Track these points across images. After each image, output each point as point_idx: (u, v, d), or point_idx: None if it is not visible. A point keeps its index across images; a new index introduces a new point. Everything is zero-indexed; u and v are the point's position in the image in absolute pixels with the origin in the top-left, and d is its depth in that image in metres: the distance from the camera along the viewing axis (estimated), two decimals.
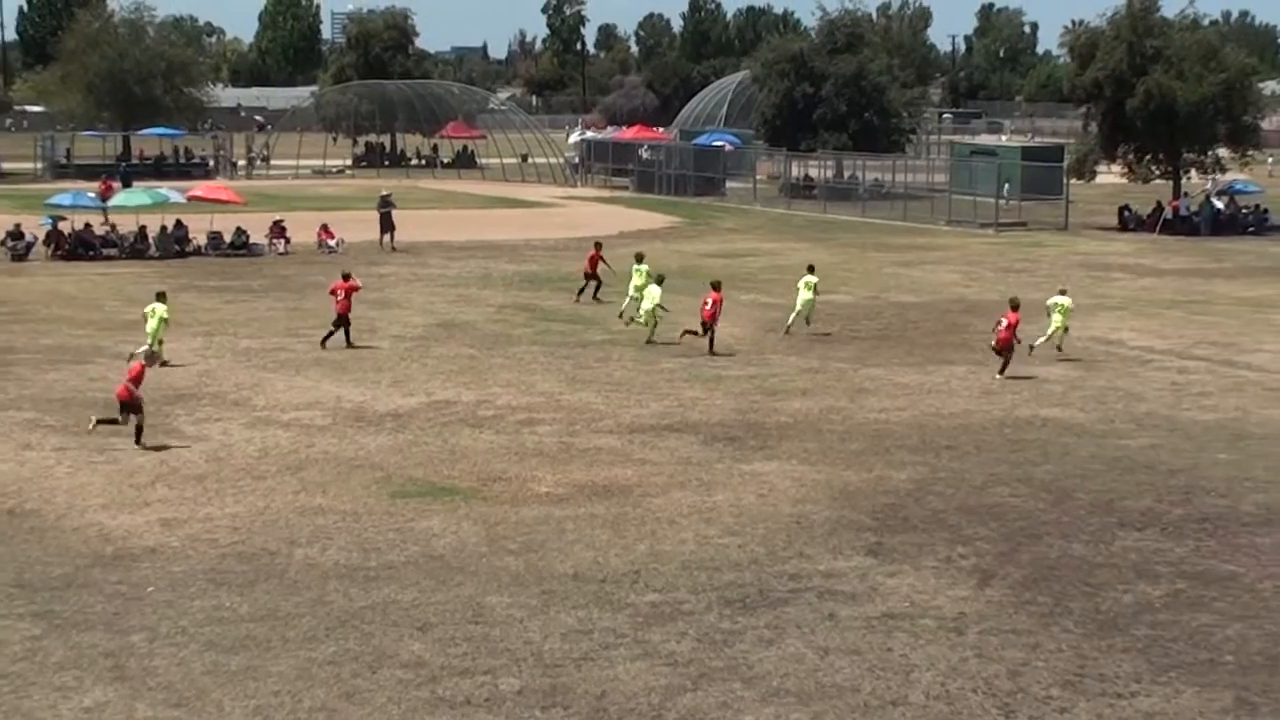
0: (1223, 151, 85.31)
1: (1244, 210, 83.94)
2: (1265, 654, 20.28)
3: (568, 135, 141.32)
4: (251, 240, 65.15)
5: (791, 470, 29.60)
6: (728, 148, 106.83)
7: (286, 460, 30.14)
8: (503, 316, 48.72)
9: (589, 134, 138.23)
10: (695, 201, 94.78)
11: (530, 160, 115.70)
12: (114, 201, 68.77)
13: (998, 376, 38.90)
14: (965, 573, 23.46)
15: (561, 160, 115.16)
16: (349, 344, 42.28)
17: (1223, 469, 30.09)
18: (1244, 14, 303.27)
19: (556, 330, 46.08)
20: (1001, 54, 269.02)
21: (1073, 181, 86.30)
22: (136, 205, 66.21)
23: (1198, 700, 18.79)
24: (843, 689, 18.98)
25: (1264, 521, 26.38)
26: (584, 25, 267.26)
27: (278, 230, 65.43)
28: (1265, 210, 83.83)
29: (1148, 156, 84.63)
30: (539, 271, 59.72)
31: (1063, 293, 44.12)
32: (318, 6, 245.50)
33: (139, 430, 30.85)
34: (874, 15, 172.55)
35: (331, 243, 65.72)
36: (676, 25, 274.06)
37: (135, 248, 63.60)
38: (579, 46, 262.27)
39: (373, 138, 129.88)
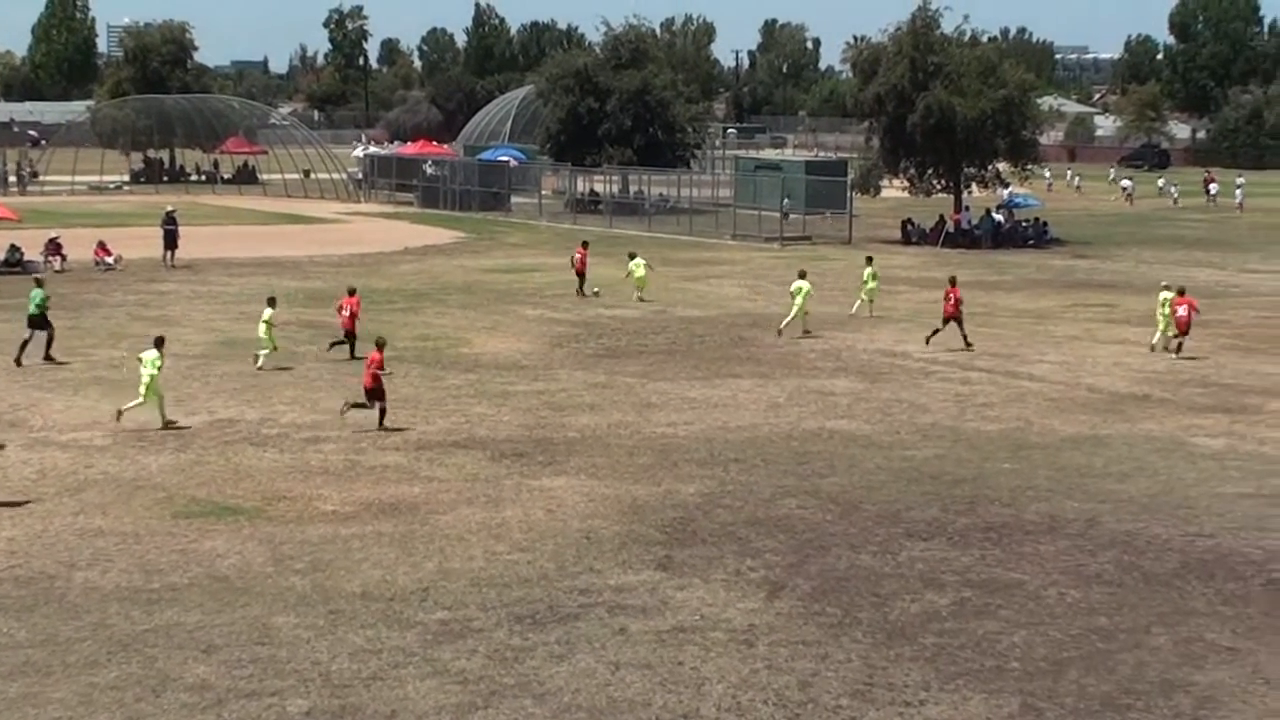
0: (1002, 165, 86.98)
1: (1024, 224, 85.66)
2: (1050, 659, 20.65)
3: (356, 148, 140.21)
4: (27, 257, 63.78)
5: (580, 485, 29.61)
6: (513, 163, 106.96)
7: (65, 482, 29.53)
8: (286, 334, 48.17)
9: (372, 149, 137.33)
10: (480, 217, 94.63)
11: (313, 176, 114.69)
12: None
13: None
14: (755, 585, 23.62)
15: (345, 176, 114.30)
16: (352, 356, 42.51)
17: (1006, 478, 30.62)
18: (1021, 30, 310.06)
19: (341, 347, 45.63)
20: (785, 69, 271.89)
21: (856, 196, 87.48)
22: None
23: (985, 707, 19.08)
24: (634, 703, 19.01)
25: (1047, 529, 26.89)
26: (366, 40, 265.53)
27: (53, 247, 64.12)
28: (1045, 224, 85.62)
29: (929, 171, 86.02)
30: (323, 288, 59.17)
31: (802, 275, 49.41)
32: (93, 19, 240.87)
33: None
34: (658, 31, 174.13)
35: (109, 259, 64.59)
36: (460, 40, 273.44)
37: None
38: (361, 61, 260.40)
39: (151, 153, 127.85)
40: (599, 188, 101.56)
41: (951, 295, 46.97)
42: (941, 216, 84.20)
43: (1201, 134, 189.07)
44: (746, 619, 22.05)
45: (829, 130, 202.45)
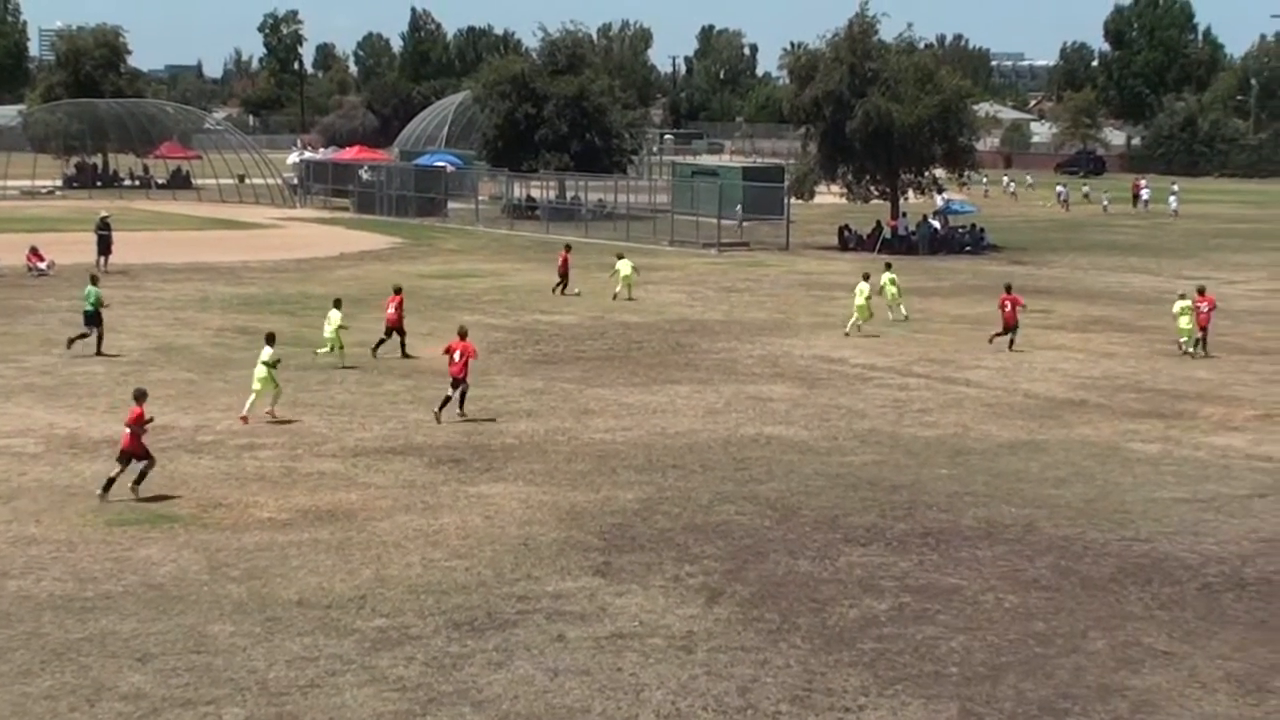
0: (939, 172, 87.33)
1: (960, 229, 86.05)
2: (988, 664, 20.74)
3: (292, 153, 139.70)
4: None
5: (518, 492, 29.58)
6: (449, 168, 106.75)
7: None
8: (222, 340, 47.96)
9: (308, 154, 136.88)
10: (417, 222, 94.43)
11: (248, 181, 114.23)
12: None
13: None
14: (693, 591, 23.64)
15: (280, 181, 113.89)
16: (404, 354, 44.82)
17: (944, 484, 30.75)
18: (958, 37, 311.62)
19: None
20: (722, 75, 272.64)
21: (793, 201, 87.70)
22: None
23: (924, 712, 19.14)
24: (573, 710, 18.99)
25: (984, 535, 27.01)
26: (301, 44, 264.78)
27: None
28: (982, 230, 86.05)
29: (866, 177, 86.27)
30: (258, 294, 58.95)
31: (865, 278, 51.53)
32: (25, 23, 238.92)
33: None
34: (595, 36, 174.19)
35: (42, 265, 64.13)
36: (396, 45, 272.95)
37: None
38: (297, 66, 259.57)
39: (84, 158, 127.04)
40: (536, 193, 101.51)
41: (1008, 302, 48.25)
42: (878, 222, 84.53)
43: (1136, 141, 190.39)
44: (685, 625, 22.06)
45: (766, 136, 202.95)
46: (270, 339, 36.86)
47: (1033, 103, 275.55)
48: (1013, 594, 23.72)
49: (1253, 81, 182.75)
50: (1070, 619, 22.64)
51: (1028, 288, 62.79)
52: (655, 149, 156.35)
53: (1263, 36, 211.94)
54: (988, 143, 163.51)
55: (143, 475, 29.01)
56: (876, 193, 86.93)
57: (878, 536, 26.76)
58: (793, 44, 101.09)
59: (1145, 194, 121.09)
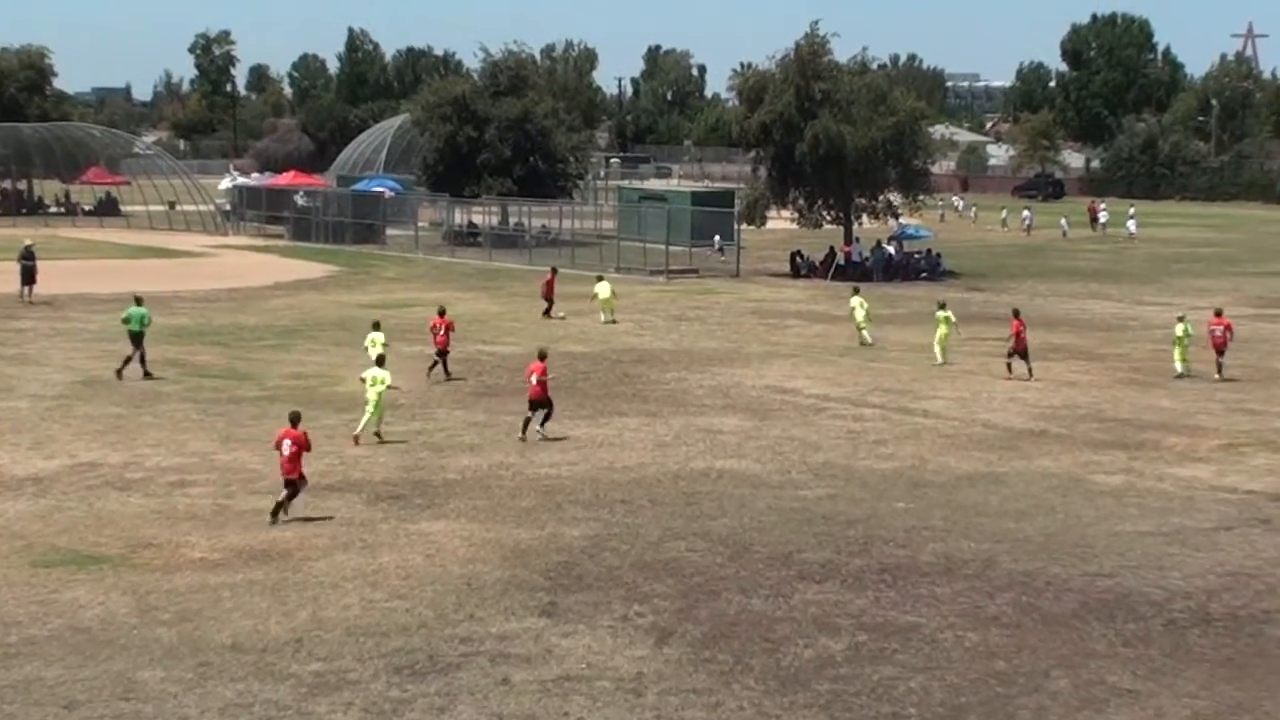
0: (894, 196, 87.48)
1: (916, 255, 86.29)
2: (948, 705, 20.74)
3: (224, 179, 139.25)
4: None
5: (460, 529, 29.49)
6: (388, 194, 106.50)
7: None
8: (152, 372, 47.73)
9: (241, 180, 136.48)
10: (354, 250, 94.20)
11: (178, 207, 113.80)
12: None
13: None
14: (643, 631, 23.59)
15: (212, 207, 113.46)
16: (448, 376, 46.60)
17: (901, 518, 30.78)
18: (912, 58, 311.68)
19: (209, 386, 45.31)
20: (669, 97, 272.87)
21: (743, 227, 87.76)
22: None
23: None
24: None
25: (943, 570, 27.03)
26: (234, 66, 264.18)
27: None
28: (938, 255, 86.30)
29: (819, 202, 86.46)
30: (189, 325, 58.67)
31: (942, 306, 52.34)
32: None
33: None
34: (538, 57, 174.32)
35: None
36: (332, 66, 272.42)
37: None
38: (229, 88, 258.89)
39: (8, 184, 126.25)
40: (478, 219, 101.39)
41: (1016, 327, 48.66)
42: (831, 248, 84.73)
43: (1096, 163, 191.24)
44: (635, 667, 22.01)
45: (715, 160, 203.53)
46: (380, 360, 38.70)
47: (989, 125, 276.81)
48: (973, 631, 23.74)
49: (1213, 102, 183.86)
50: (1032, 657, 22.67)
51: (986, 315, 63.08)
52: (601, 173, 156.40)
53: (1223, 56, 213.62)
54: (944, 166, 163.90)
55: (287, 501, 30.18)
56: (829, 218, 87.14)
57: (833, 573, 26.76)
58: (742, 64, 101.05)
59: (1103, 217, 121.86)
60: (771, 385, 47.00)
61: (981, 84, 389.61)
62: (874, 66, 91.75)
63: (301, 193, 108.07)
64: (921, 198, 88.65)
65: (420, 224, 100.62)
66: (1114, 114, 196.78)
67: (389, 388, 37.90)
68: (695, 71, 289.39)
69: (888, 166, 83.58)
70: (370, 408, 37.56)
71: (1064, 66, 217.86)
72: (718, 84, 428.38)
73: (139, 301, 48.11)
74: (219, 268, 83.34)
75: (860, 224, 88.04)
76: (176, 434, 38.17)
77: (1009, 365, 48.55)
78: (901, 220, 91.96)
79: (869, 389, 46.44)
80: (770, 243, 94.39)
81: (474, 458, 36.02)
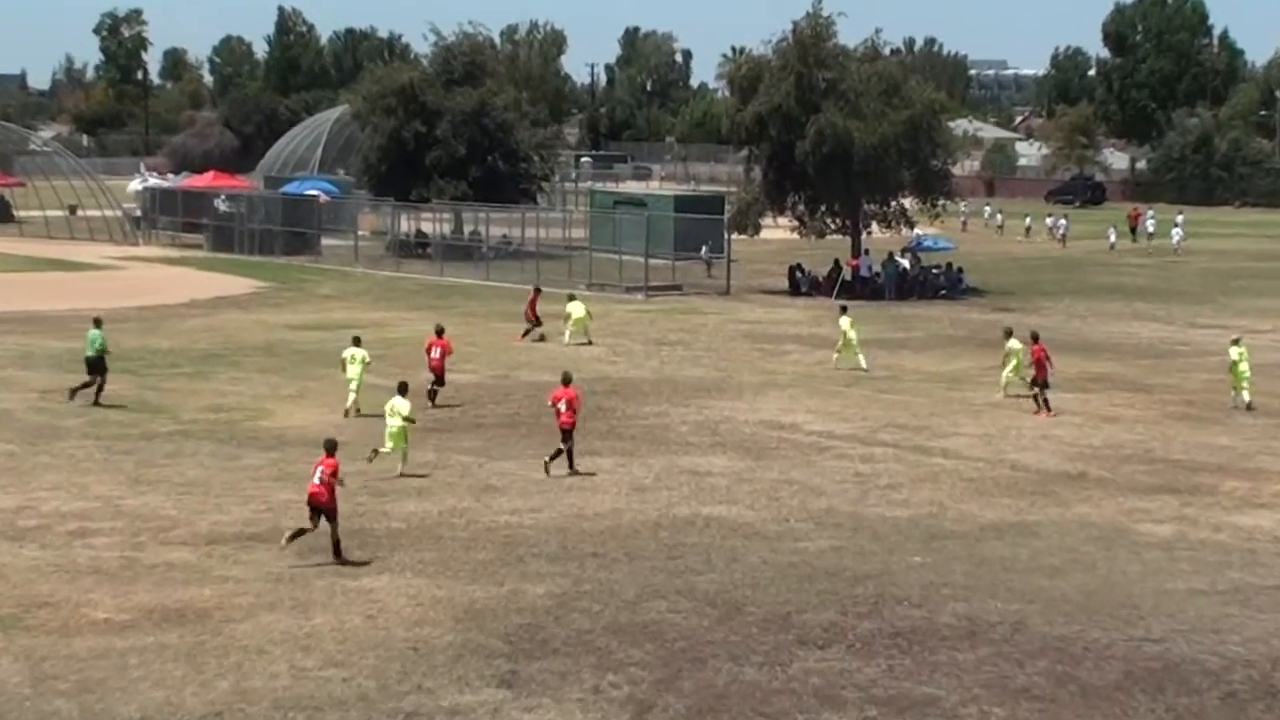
0: (908, 201, 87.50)
1: (934, 270, 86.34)
2: None
3: (134, 180, 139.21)
4: None
5: (406, 586, 29.44)
6: (323, 198, 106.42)
7: None
8: (48, 404, 47.65)
9: (154, 181, 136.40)
10: (284, 262, 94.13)
11: (81, 213, 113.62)
12: None
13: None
14: (618, 705, 23.55)
15: (120, 213, 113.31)
16: (432, 405, 47.21)
17: (916, 574, 30.77)
18: (930, 42, 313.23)
19: (115, 420, 45.24)
20: (649, 86, 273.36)
21: (735, 237, 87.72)
22: None
23: None
24: None
25: (965, 634, 27.03)
26: (146, 50, 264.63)
27: None
28: (959, 270, 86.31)
29: (822, 208, 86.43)
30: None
31: (1008, 335, 51.87)
32: None
33: None
34: (497, 40, 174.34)
35: None
36: (260, 50, 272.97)
37: None
38: (140, 76, 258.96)
39: None
40: (427, 228, 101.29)
41: (1037, 353, 48.80)
42: (836, 262, 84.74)
43: (1142, 164, 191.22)
44: None
45: (703, 159, 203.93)
46: (403, 388, 39.35)
47: (1019, 119, 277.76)
48: (999, 706, 23.74)
49: (1278, 94, 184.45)
50: None
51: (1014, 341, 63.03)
52: (571, 174, 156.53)
53: None
54: (966, 166, 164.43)
55: (337, 544, 30.90)
56: (834, 226, 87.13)
57: (838, 638, 26.75)
58: (734, 49, 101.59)
59: (1150, 225, 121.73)
60: (767, 420, 47.01)
61: (1010, 72, 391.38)
62: (886, 52, 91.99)
63: (223, 196, 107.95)
64: (941, 203, 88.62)
65: (361, 233, 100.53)
66: (1163, 107, 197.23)
67: (406, 420, 38.73)
68: (679, 58, 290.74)
69: (901, 167, 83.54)
70: (389, 442, 38.59)
71: (1106, 52, 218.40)
72: (705, 72, 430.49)
73: (98, 324, 48.61)
74: (127, 283, 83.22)
75: (870, 234, 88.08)
76: (77, 475, 38.10)
77: (1039, 399, 48.63)
78: (918, 229, 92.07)
79: (879, 425, 46.46)
80: (766, 255, 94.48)
81: (422, 503, 35.99)
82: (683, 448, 42.66)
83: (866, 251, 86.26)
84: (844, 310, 58.87)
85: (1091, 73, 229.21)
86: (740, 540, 33.19)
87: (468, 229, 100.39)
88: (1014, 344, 51.35)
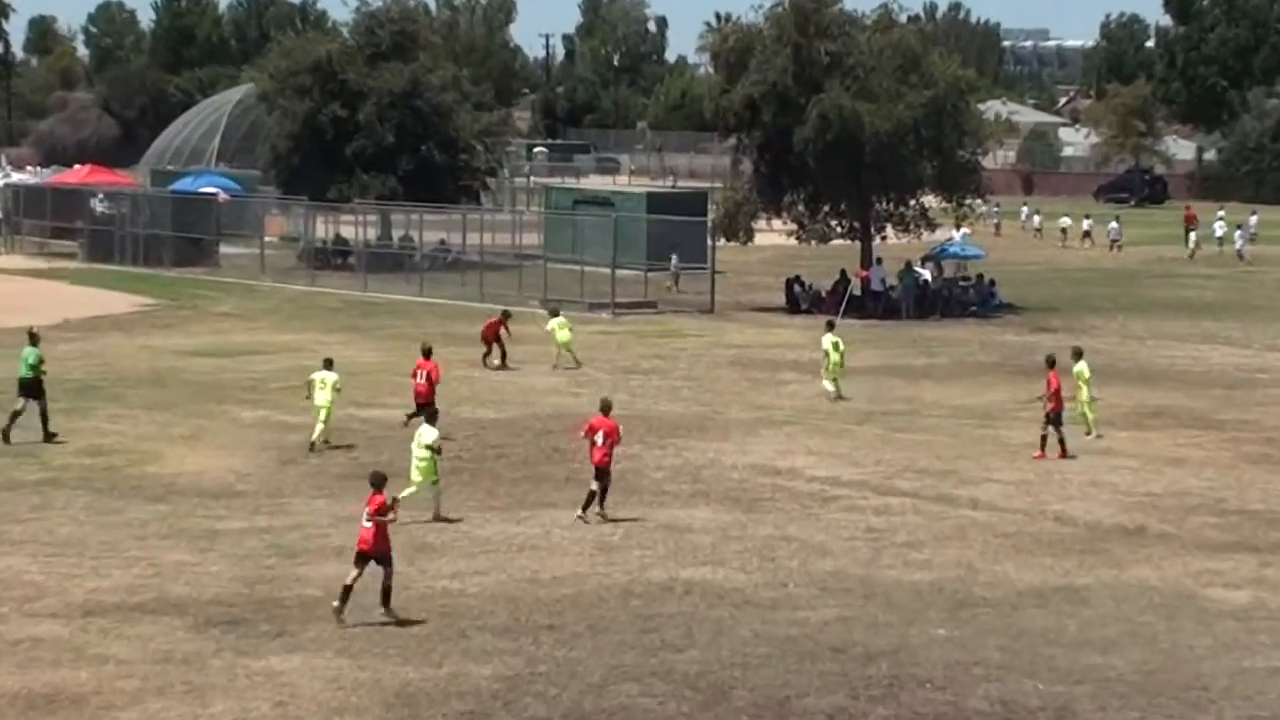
0: (930, 200, 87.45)
1: (962, 282, 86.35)
2: None
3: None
4: None
5: (324, 666, 29.43)
6: (223, 197, 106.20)
7: None
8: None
9: (16, 177, 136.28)
10: (175, 275, 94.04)
11: None
12: None
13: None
14: None
15: None
16: (407, 423, 48.22)
17: (941, 650, 30.82)
18: (956, 7, 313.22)
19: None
20: (616, 61, 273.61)
21: (721, 244, 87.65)
22: None
23: None
24: None
25: None
26: (7, 18, 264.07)
27: None
28: (992, 282, 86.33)
29: (826, 208, 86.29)
30: None
31: (1078, 355, 51.86)
32: None
33: None
34: (433, 5, 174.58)
35: None
36: (145, 18, 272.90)
37: None
38: (1, 50, 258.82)
39: None
40: (348, 233, 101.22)
41: (1054, 382, 48.64)
42: (843, 273, 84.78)
43: (1211, 153, 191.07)
44: None
45: (681, 149, 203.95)
46: (432, 415, 40.84)
47: (1063, 100, 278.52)
48: None
49: None
50: None
51: (1060, 366, 63.12)
52: (523, 168, 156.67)
53: None
54: (1000, 157, 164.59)
55: (388, 592, 31.59)
56: (840, 231, 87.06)
57: None
58: (718, 17, 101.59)
59: (1218, 229, 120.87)
60: (760, 464, 47.01)
61: (1052, 44, 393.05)
62: (902, 19, 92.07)
63: (101, 195, 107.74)
64: (969, 202, 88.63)
65: (268, 239, 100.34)
66: (1236, 85, 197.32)
67: (434, 452, 39.74)
68: (652, 26, 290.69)
69: (921, 158, 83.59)
70: (417, 476, 39.69)
71: (1167, 19, 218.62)
72: (683, 44, 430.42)
73: (33, 339, 49.37)
74: None
75: (883, 239, 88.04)
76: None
77: (1048, 439, 48.44)
78: (946, 235, 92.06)
79: (896, 469, 46.47)
80: (758, 265, 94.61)
81: (343, 565, 35.78)
82: (658, 498, 42.66)
83: (879, 261, 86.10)
84: (830, 326, 59.20)
85: (1150, 44, 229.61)
86: (728, 610, 33.19)
87: (397, 234, 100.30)
88: (1082, 367, 51.34)
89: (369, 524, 31.72)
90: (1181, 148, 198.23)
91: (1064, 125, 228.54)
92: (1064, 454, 47.89)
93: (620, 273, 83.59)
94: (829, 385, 56.93)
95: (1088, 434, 50.67)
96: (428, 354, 50.23)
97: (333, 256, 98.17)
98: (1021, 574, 36.09)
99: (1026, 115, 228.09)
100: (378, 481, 32.42)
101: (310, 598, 33.57)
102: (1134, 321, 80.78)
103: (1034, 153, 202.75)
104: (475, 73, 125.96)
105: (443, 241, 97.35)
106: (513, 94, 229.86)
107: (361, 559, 31.66)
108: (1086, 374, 51.11)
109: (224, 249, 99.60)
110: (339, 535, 38.34)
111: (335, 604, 31.50)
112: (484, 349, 63.80)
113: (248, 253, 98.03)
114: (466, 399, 56.34)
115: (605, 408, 41.10)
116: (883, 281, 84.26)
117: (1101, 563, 37.10)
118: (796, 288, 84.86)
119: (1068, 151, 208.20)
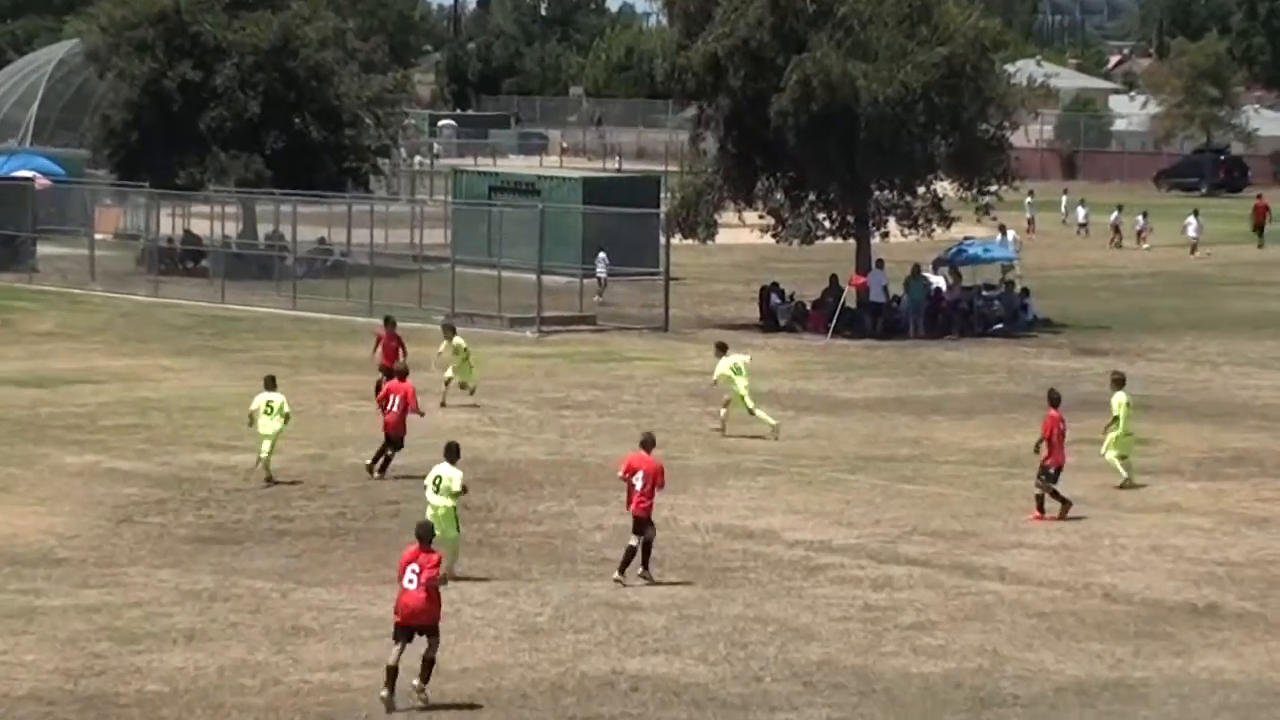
0: (945, 186, 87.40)
1: (985, 292, 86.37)
2: None
3: None
4: None
5: None
6: (41, 182, 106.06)
7: None
8: None
9: None
10: None
11: None
12: None
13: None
14: None
15: None
16: (375, 468, 51.02)
17: None
18: None
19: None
20: (543, 11, 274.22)
21: (678, 242, 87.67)
22: None
23: None
24: None
25: None
26: None
27: None
28: (1024, 292, 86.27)
29: (810, 197, 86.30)
30: None
31: (1119, 383, 52.37)
32: None
33: None
34: None
35: None
36: None
37: None
38: None
39: None
40: (201, 228, 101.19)
41: (1051, 423, 48.58)
42: (833, 279, 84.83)
43: None
44: None
45: (627, 121, 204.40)
46: (453, 452, 40.76)
47: (1114, 61, 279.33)
48: None
49: None
50: None
51: (1108, 400, 63.19)
52: (425, 146, 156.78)
53: None
54: (1034, 133, 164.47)
55: (431, 665, 32.79)
56: (829, 226, 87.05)
57: None
58: None
59: None
60: (727, 524, 47.05)
61: None
62: None
63: None
64: (995, 189, 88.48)
65: (99, 236, 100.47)
66: None
67: (458, 495, 40.22)
68: None
69: (933, 133, 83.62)
70: (440, 526, 38.78)
71: None
72: None
73: None
74: None
75: (885, 236, 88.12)
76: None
77: (1057, 496, 48.31)
78: (958, 231, 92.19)
79: (901, 531, 46.53)
80: (725, 270, 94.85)
81: (192, 653, 35.85)
82: (597, 567, 42.67)
83: (879, 264, 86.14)
84: (722, 349, 60.07)
85: None
86: (685, 710, 33.21)
87: (264, 231, 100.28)
88: (1121, 398, 51.47)
89: (415, 586, 32.15)
90: (1266, 121, 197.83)
91: (1115, 92, 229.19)
92: (1064, 514, 47.93)
93: (548, 280, 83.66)
94: (739, 415, 58.00)
95: (1121, 485, 50.93)
96: (403, 375, 51.49)
97: (181, 259, 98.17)
98: (1061, 664, 36.15)
99: (1067, 79, 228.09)
100: (425, 534, 33.00)
101: (151, 695, 33.49)
102: (1206, 342, 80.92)
103: (1077, 127, 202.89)
104: (363, 25, 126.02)
105: (322, 240, 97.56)
106: (412, 52, 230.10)
107: (404, 632, 32.10)
108: (1126, 408, 51.27)
109: (42, 249, 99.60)
110: (188, 615, 38.35)
111: (383, 694, 31.95)
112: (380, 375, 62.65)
113: (73, 254, 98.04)
114: (349, 440, 56.30)
115: (647, 443, 41.58)
116: (884, 291, 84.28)
117: (1163, 650, 37.16)
118: (774, 298, 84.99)
119: (1119, 125, 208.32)
